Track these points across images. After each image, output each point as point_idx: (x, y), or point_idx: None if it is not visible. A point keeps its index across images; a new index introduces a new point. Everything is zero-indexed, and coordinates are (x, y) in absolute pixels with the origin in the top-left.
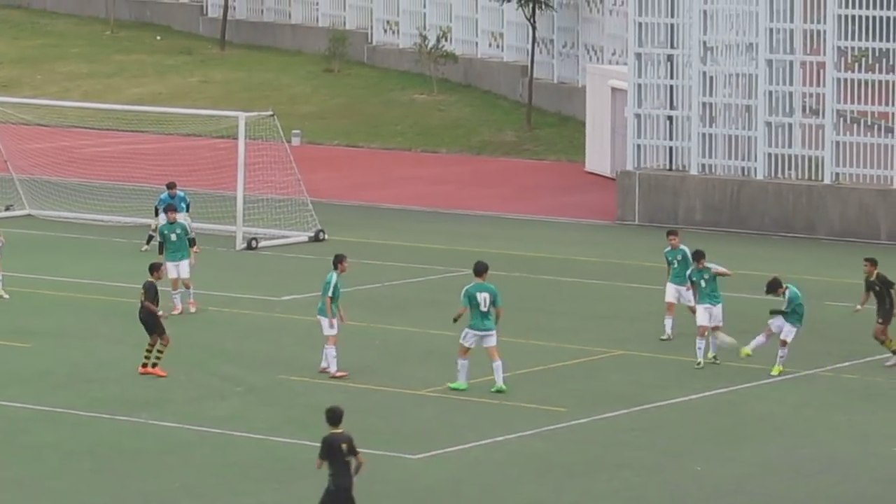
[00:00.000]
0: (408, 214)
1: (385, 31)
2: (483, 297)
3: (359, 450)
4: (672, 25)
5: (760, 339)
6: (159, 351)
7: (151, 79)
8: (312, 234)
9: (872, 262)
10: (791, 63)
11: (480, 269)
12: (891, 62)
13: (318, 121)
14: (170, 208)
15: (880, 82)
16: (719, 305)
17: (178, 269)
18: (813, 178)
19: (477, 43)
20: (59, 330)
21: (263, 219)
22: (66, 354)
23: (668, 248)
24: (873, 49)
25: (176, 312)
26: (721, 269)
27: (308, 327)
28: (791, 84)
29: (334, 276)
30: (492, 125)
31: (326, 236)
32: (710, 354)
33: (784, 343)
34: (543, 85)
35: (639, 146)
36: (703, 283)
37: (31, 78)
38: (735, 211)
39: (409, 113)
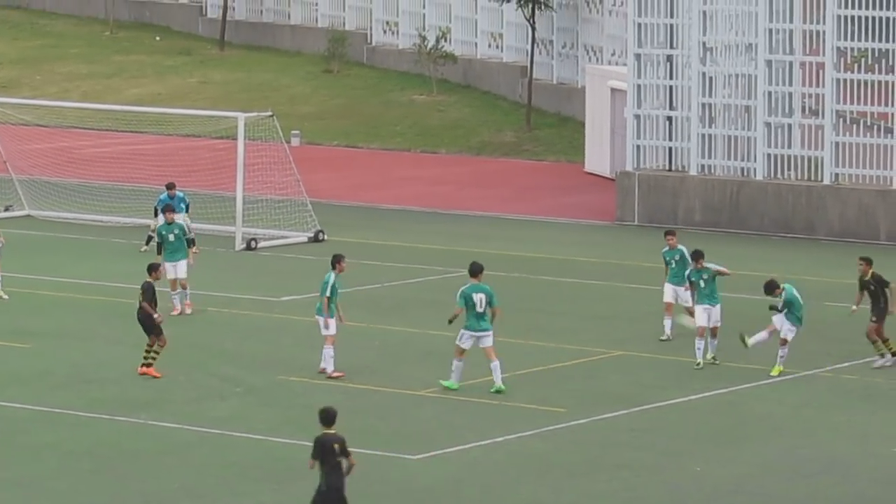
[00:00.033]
0: (407, 215)
1: (384, 31)
2: (479, 298)
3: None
4: (671, 26)
5: (763, 334)
6: (155, 352)
7: (151, 79)
8: (312, 235)
9: (867, 262)
10: (790, 63)
11: (476, 270)
12: (890, 63)
13: (318, 121)
14: (168, 209)
15: (880, 83)
16: (718, 306)
17: (175, 270)
18: (812, 178)
19: (476, 43)
20: (59, 330)
21: (263, 219)
22: (65, 355)
23: (666, 248)
24: (873, 49)
25: (175, 313)
26: (721, 269)
27: (307, 328)
28: (790, 84)
29: (332, 276)
30: (491, 126)
31: (326, 237)
32: (710, 355)
33: (784, 342)
34: (543, 85)
35: (638, 147)
36: (701, 284)
37: (31, 78)
38: (734, 211)
39: (408, 113)
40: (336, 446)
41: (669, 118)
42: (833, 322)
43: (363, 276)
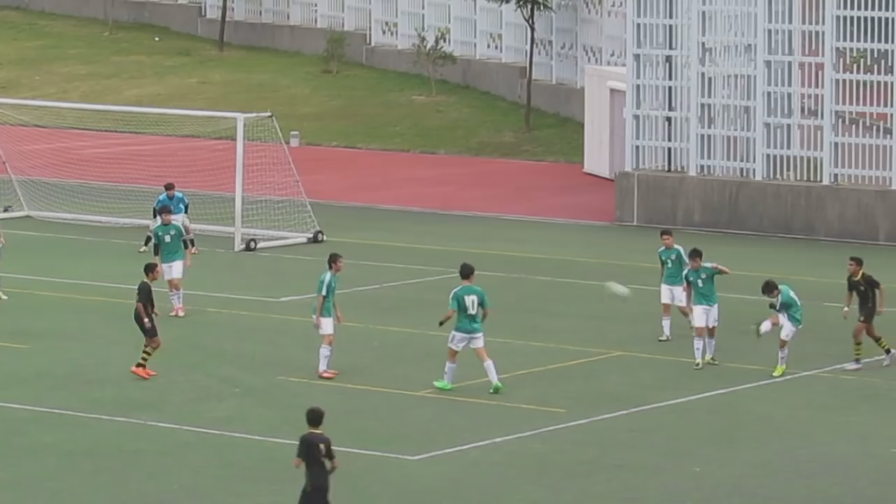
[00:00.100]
0: (406, 215)
1: (384, 32)
2: (471, 300)
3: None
4: (670, 26)
5: (767, 324)
6: (147, 353)
7: (150, 80)
8: (311, 236)
9: (858, 262)
10: (790, 64)
11: (467, 272)
12: (889, 63)
13: (317, 122)
14: (164, 210)
15: (879, 83)
16: (716, 306)
17: (171, 271)
18: (811, 178)
19: (475, 44)
20: (58, 331)
21: (262, 220)
22: (64, 355)
23: (662, 248)
24: (872, 50)
25: (174, 314)
26: (721, 267)
27: (306, 328)
28: (790, 85)
29: (328, 276)
30: (490, 126)
31: (325, 237)
32: (709, 356)
33: (783, 343)
34: (542, 86)
35: (637, 147)
36: (699, 284)
37: (30, 79)
38: (734, 212)
39: (407, 114)
40: (322, 446)
41: (668, 119)
42: (832, 322)
43: (362, 277)
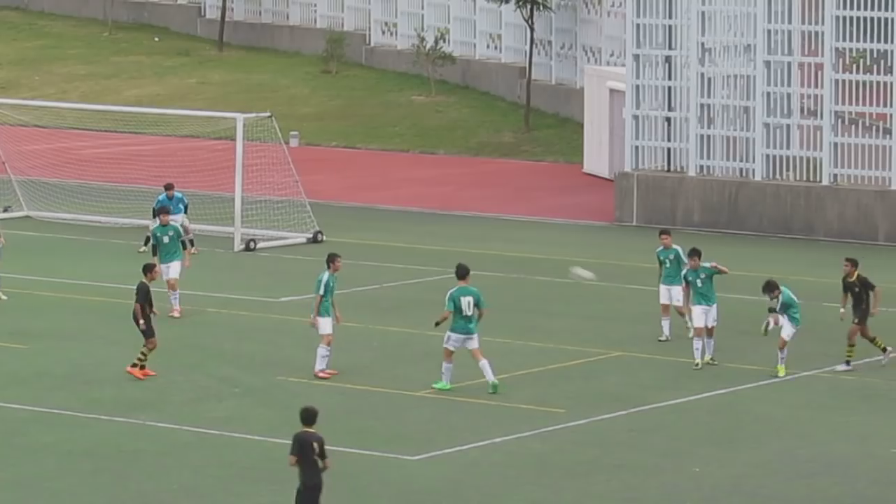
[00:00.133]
0: (406, 216)
1: (383, 32)
2: (467, 301)
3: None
4: (670, 27)
5: (770, 322)
6: (142, 353)
7: (149, 80)
8: (311, 236)
9: (853, 263)
10: (789, 64)
11: (463, 273)
12: (888, 63)
13: (317, 122)
14: (162, 211)
15: (878, 83)
16: (715, 306)
17: (168, 271)
18: (811, 179)
19: (475, 44)
20: (57, 331)
21: (262, 220)
22: (63, 355)
23: (661, 248)
24: (871, 50)
25: (172, 314)
26: (720, 267)
27: (306, 328)
28: (789, 85)
29: (326, 275)
30: (490, 126)
31: (324, 238)
32: (708, 356)
33: (784, 343)
34: (541, 86)
35: (637, 147)
36: (698, 283)
37: (30, 79)
38: (733, 212)
39: (407, 114)
40: (315, 445)
41: (668, 119)
42: (832, 323)
43: (362, 277)
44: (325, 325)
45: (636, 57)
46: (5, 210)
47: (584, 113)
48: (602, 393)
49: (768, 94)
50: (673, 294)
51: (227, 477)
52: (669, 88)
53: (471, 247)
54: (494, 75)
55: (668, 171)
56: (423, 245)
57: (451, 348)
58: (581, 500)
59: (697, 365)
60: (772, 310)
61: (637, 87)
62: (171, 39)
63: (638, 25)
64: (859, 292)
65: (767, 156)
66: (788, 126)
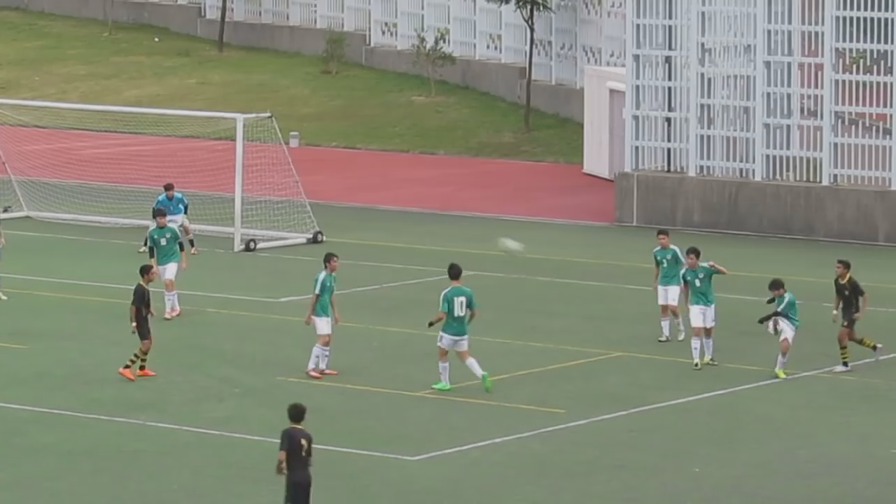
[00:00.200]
0: (406, 216)
1: (383, 32)
2: (459, 302)
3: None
4: (670, 27)
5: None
6: (135, 355)
7: (149, 80)
8: (311, 236)
9: (845, 265)
10: (789, 65)
11: (456, 273)
12: (888, 64)
13: (317, 122)
14: (160, 213)
15: (878, 84)
16: (713, 306)
17: (164, 271)
18: (811, 179)
19: (475, 45)
20: (57, 331)
21: (262, 220)
22: (63, 356)
23: (658, 248)
24: (871, 51)
25: (175, 314)
26: (718, 266)
27: (306, 329)
28: (789, 86)
29: (322, 275)
30: (490, 127)
31: (324, 238)
32: (708, 357)
33: (787, 348)
34: (541, 86)
35: (637, 148)
36: (697, 283)
37: (30, 79)
38: (733, 212)
39: (407, 114)
40: (304, 441)
41: (668, 119)
42: (831, 323)
43: (362, 277)
44: (322, 324)
45: (636, 57)
46: (5, 210)
47: (584, 113)
48: (602, 393)
49: (768, 94)
50: (670, 294)
51: (227, 477)
52: (669, 89)
53: (471, 247)
54: (494, 75)
55: (668, 171)
56: (423, 245)
57: (445, 347)
58: (581, 500)
59: (697, 365)
60: (771, 300)
61: (637, 87)
62: (171, 40)
63: (638, 26)
64: (849, 296)
65: (767, 156)
66: (788, 126)
